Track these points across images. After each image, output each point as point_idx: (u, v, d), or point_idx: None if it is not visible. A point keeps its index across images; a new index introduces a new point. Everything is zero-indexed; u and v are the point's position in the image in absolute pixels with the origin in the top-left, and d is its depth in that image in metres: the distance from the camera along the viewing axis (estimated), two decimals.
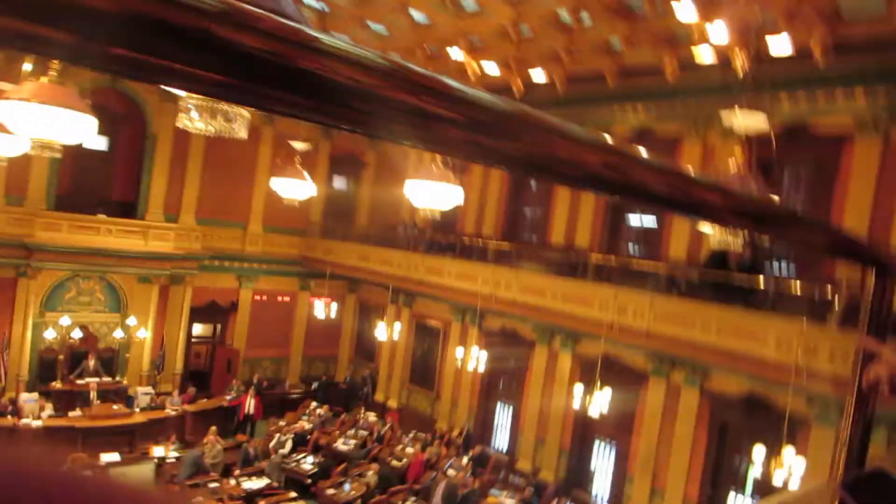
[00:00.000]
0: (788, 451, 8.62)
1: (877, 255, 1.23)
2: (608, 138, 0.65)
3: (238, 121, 3.80)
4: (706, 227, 6.60)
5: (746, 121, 6.78)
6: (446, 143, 0.53)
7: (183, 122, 3.91)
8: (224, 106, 3.65)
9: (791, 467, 8.56)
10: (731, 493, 11.56)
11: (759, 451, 9.09)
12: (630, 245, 14.39)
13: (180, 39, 0.35)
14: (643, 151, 0.70)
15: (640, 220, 14.17)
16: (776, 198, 5.25)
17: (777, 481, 8.78)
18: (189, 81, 0.38)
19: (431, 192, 8.87)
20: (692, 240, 11.88)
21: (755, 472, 9.58)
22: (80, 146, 8.60)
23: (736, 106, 6.82)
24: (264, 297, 19.83)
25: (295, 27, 0.40)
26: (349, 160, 21.10)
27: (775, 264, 11.62)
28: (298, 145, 12.26)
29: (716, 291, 10.52)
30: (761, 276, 10.09)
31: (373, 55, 0.43)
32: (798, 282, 10.29)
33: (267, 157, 18.68)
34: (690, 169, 0.79)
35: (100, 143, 16.71)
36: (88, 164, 16.45)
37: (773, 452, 8.96)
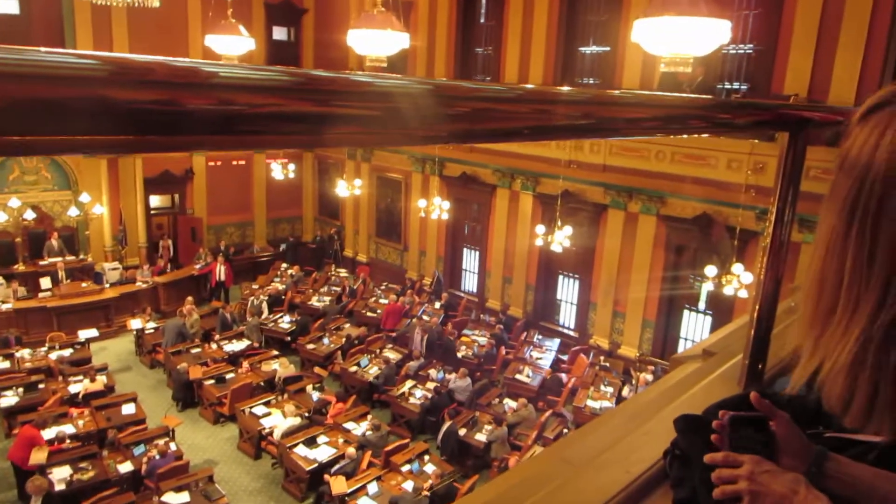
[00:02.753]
0: (737, 267, 9.12)
1: (787, 117, 1.24)
2: (530, 87, 0.60)
3: None
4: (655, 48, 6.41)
5: None
6: (371, 139, 0.47)
7: None
8: None
9: (740, 280, 9.10)
10: (686, 312, 12.38)
11: (710, 269, 9.61)
12: (584, 79, 14.07)
13: (74, 112, 0.31)
14: (564, 89, 0.66)
15: (593, 47, 13.73)
16: (727, 23, 4.99)
17: (728, 293, 9.39)
18: (92, 148, 0.34)
19: (375, 40, 8.42)
20: (645, 64, 11.63)
21: (707, 288, 10.19)
22: None
23: None
24: (219, 163, 19.32)
25: (190, 67, 0.36)
26: (287, 7, 19.73)
27: (726, 84, 11.57)
28: None
29: None
30: (711, 98, 10.02)
31: (275, 73, 0.40)
32: (748, 101, 10.30)
33: (197, 13, 17.33)
34: (609, 91, 0.76)
35: (10, 6, 15.20)
36: (2, 33, 15.02)
37: (724, 269, 9.48)
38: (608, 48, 13.25)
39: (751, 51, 11.35)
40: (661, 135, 0.91)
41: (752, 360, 1.36)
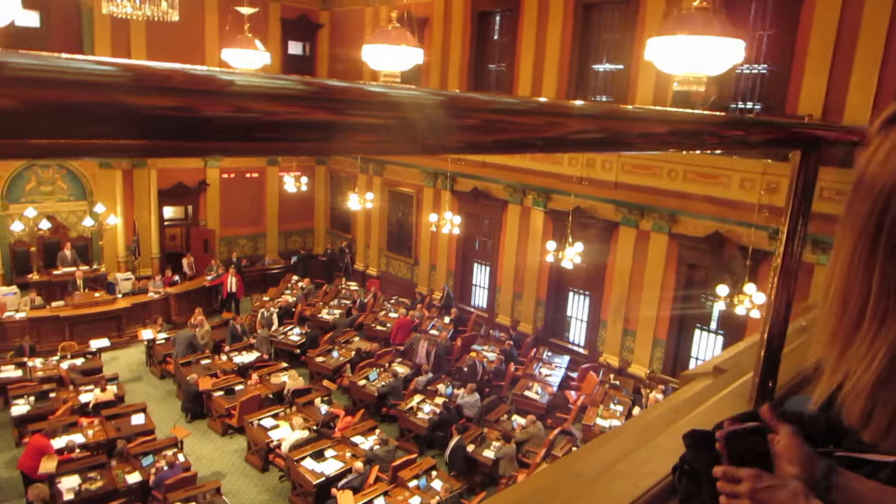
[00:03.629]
0: (749, 287, 9.05)
1: (801, 136, 1.23)
2: (543, 100, 0.61)
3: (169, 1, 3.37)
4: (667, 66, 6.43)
5: None
6: (383, 147, 0.48)
7: (108, 7, 3.42)
8: None
9: (752, 300, 9.02)
10: (697, 331, 12.27)
11: (722, 289, 9.53)
12: (598, 96, 14.10)
13: (93, 117, 0.31)
14: (578, 103, 0.67)
15: (606, 65, 13.77)
16: (741, 43, 5.01)
17: (740, 313, 9.31)
18: (111, 152, 0.35)
19: (390, 55, 8.51)
20: (658, 82, 11.63)
21: (719, 307, 10.11)
22: (10, 25, 7.96)
23: None
24: (232, 175, 19.50)
25: (207, 75, 0.36)
26: (302, 23, 19.98)
27: (740, 104, 11.55)
28: (245, 10, 11.45)
29: None
30: (725, 115, 10.05)
31: (290, 82, 0.41)
32: (762, 118, 10.28)
33: (214, 27, 17.58)
34: (623, 106, 0.76)
35: (30, 19, 15.47)
36: (21, 45, 15.21)
37: (736, 289, 9.40)
38: (621, 66, 13.27)
39: (765, 71, 11.34)
40: (675, 150, 0.92)
41: (762, 377, 1.35)
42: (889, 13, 9.50)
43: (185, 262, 17.84)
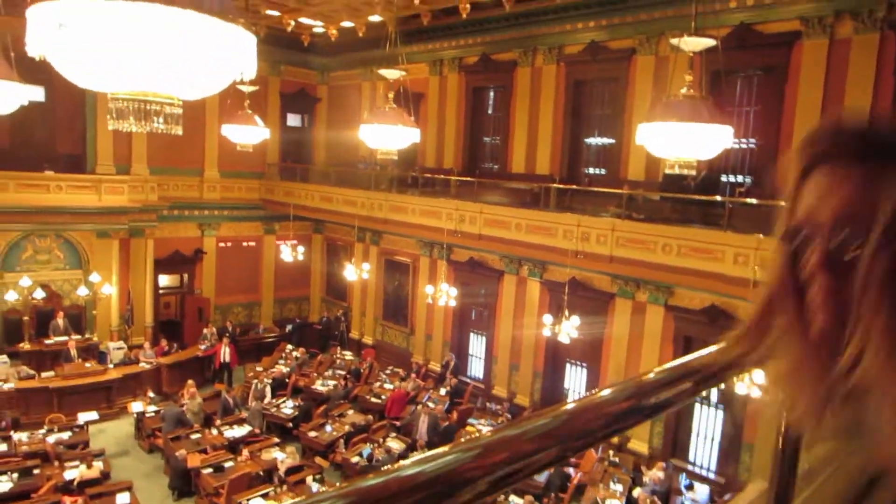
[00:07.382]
0: None
1: None
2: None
3: (172, 119, 3.39)
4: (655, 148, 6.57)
5: (694, 44, 6.67)
6: None
7: (113, 124, 3.34)
8: (155, 104, 3.22)
9: (752, 378, 8.91)
10: (698, 405, 12.08)
11: None
12: (591, 168, 14.35)
13: None
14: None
15: (598, 139, 14.10)
16: (729, 129, 5.15)
17: (740, 391, 9.19)
18: None
19: (386, 135, 8.68)
20: (650, 158, 11.85)
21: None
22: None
23: (684, 34, 6.70)
24: (229, 244, 19.58)
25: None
26: (301, 96, 20.48)
27: (730, 177, 11.77)
28: (246, 88, 11.71)
29: (675, 212, 10.67)
30: (717, 196, 10.28)
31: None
32: (753, 197, 10.47)
33: (215, 101, 17.94)
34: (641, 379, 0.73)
35: (36, 94, 15.81)
36: (27, 117, 15.49)
37: None
38: (613, 140, 13.57)
39: (753, 145, 11.60)
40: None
41: None
42: (871, 91, 9.83)
43: (205, 330, 17.53)
